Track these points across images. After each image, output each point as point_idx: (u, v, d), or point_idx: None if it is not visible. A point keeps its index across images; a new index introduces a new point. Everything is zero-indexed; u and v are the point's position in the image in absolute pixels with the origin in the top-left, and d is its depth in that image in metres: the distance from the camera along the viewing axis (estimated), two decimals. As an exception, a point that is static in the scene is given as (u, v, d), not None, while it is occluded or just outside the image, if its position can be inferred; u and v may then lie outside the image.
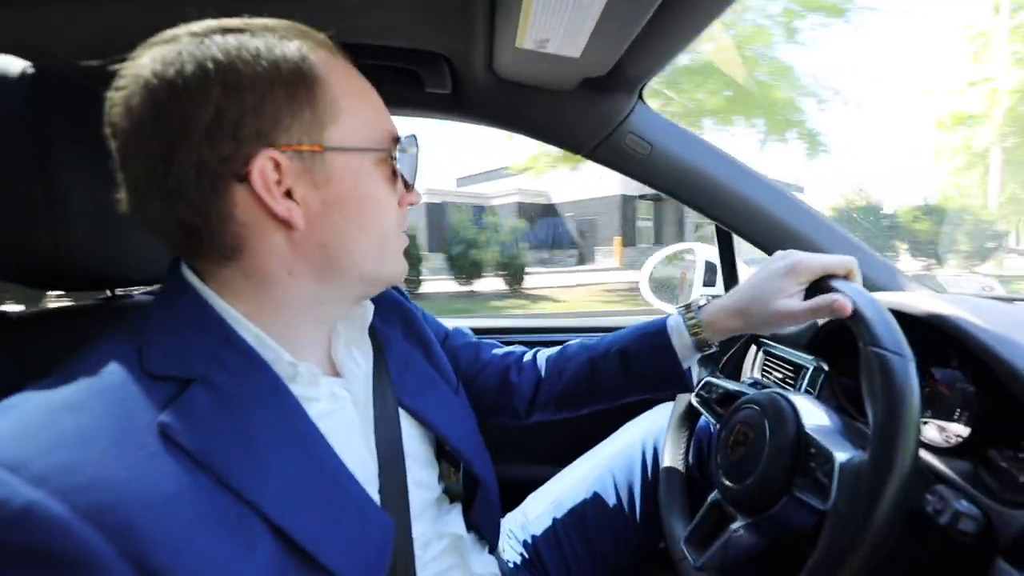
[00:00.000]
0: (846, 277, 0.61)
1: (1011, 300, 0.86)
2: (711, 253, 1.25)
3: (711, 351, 0.70)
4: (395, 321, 0.66)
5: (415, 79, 0.90)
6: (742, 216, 0.98)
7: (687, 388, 0.73)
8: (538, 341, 1.34)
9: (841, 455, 0.53)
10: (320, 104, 0.44)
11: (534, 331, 1.45)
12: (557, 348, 0.79)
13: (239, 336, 0.44)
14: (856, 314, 0.54)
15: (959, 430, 0.64)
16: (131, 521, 0.33)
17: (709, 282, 1.25)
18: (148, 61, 0.41)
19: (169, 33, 0.43)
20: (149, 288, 0.78)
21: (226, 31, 0.42)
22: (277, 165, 0.42)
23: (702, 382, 0.82)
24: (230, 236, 0.43)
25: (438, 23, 0.75)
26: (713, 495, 0.69)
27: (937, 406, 0.68)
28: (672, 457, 0.84)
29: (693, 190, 0.99)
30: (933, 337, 0.66)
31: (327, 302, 0.50)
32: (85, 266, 0.60)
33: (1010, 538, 0.52)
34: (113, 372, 0.39)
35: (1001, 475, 0.57)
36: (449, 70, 0.86)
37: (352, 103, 0.47)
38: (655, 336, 0.70)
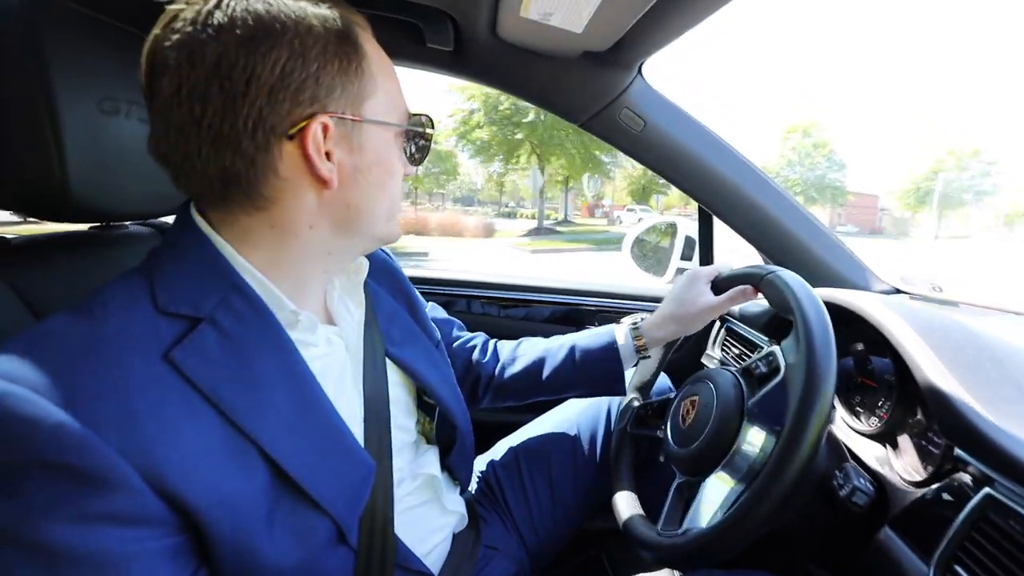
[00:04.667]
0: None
1: (954, 304, 0.93)
2: (692, 229, 1.29)
3: (646, 357, 0.85)
4: (384, 279, 0.71)
5: (417, 33, 0.89)
6: (724, 199, 1.02)
7: (621, 393, 0.85)
8: (503, 298, 1.39)
9: (770, 427, 0.61)
10: (364, 77, 0.48)
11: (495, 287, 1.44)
12: (517, 341, 0.90)
13: (245, 282, 0.48)
14: (773, 289, 0.67)
15: (879, 417, 0.72)
16: (150, 447, 0.38)
17: (687, 256, 1.31)
18: (216, 10, 0.42)
19: None
20: (142, 221, 0.80)
21: None
22: (326, 129, 0.46)
23: (631, 411, 0.88)
24: (268, 188, 0.46)
25: None
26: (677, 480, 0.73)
27: (865, 395, 0.76)
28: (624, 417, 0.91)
29: (681, 170, 1.01)
30: (871, 332, 0.73)
31: (337, 255, 0.54)
32: (86, 198, 0.62)
33: (899, 510, 0.61)
34: (130, 308, 0.43)
35: (905, 458, 0.66)
36: (453, 28, 0.86)
37: (384, 80, 0.51)
38: (603, 336, 0.84)
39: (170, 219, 0.80)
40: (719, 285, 0.82)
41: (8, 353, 0.38)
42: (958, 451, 0.56)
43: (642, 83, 0.94)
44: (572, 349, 0.84)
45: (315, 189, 0.48)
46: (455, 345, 0.86)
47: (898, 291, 1.01)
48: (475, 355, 0.87)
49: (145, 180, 0.69)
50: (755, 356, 0.67)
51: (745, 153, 1.01)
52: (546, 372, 0.83)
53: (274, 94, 0.43)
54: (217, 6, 0.42)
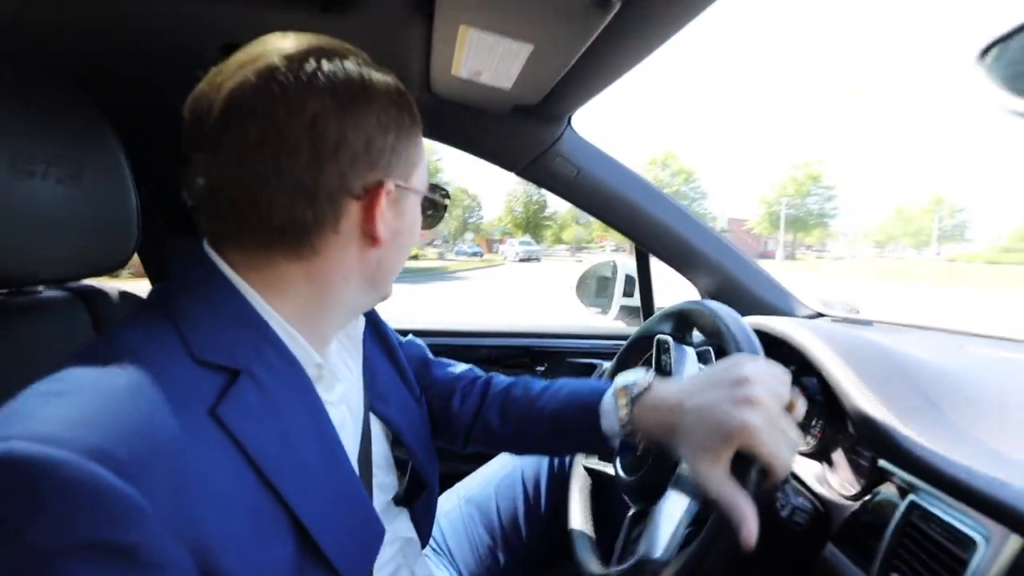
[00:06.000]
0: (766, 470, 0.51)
1: (868, 323, 1.01)
2: (631, 267, 1.35)
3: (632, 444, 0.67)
4: (367, 329, 0.68)
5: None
6: (657, 238, 1.08)
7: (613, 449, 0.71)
8: (495, 346, 1.39)
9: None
10: (417, 147, 0.50)
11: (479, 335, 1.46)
12: (506, 382, 0.76)
13: (274, 332, 0.45)
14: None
15: (813, 436, 0.76)
16: (203, 516, 0.34)
17: (628, 293, 1.36)
18: (319, 67, 0.42)
19: (328, 43, 0.45)
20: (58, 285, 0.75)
21: (331, 54, 0.44)
22: (388, 194, 0.46)
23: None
24: (321, 241, 0.45)
25: (379, 44, 0.78)
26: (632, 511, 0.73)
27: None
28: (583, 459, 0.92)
29: (615, 212, 1.07)
30: (798, 355, 0.78)
31: (355, 310, 0.54)
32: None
33: (839, 525, 0.64)
34: (161, 355, 0.38)
35: (839, 473, 0.69)
36: None
37: (422, 151, 0.52)
38: (587, 415, 0.65)
39: (90, 281, 0.77)
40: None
41: (28, 415, 0.32)
42: (883, 463, 0.59)
43: (572, 133, 1.00)
44: (555, 422, 0.69)
45: (360, 247, 0.47)
46: (435, 388, 0.78)
47: (820, 314, 1.09)
48: (455, 402, 0.76)
49: (63, 242, 0.66)
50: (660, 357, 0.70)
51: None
52: (528, 439, 0.73)
53: (357, 159, 0.44)
54: (319, 63, 0.42)
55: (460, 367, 0.81)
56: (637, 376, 0.61)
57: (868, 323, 1.01)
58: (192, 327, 0.41)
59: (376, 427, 0.62)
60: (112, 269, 0.71)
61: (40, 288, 0.74)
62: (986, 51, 0.41)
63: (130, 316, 0.43)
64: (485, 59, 0.72)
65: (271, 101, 0.41)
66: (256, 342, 0.43)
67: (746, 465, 0.50)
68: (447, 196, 0.61)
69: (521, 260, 31.73)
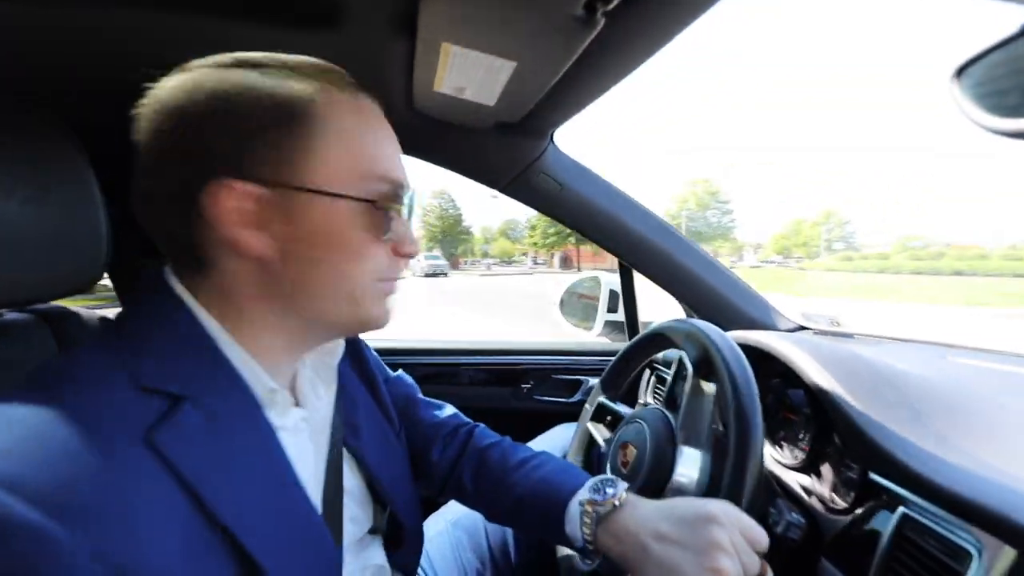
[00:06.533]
0: None
1: (850, 336, 1.03)
2: (615, 282, 1.35)
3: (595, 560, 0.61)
4: (346, 356, 0.65)
5: (334, 106, 0.90)
6: (640, 253, 1.09)
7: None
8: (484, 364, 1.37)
9: (705, 462, 0.62)
10: (309, 144, 0.44)
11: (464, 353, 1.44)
12: (486, 442, 0.73)
13: (225, 356, 0.44)
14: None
15: (801, 449, 0.76)
16: (132, 546, 0.33)
17: (612, 308, 1.36)
18: (169, 85, 0.43)
19: (194, 63, 0.45)
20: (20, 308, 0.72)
21: (240, 64, 0.44)
22: (251, 197, 0.43)
23: (596, 404, 0.90)
24: (202, 249, 0.44)
25: (361, 60, 0.77)
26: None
27: (787, 429, 0.80)
28: None
29: (598, 227, 1.08)
30: (783, 368, 0.78)
31: (298, 335, 0.49)
32: None
33: (831, 539, 0.63)
34: (105, 383, 0.38)
35: (829, 486, 0.69)
36: None
37: (348, 147, 0.46)
38: (553, 511, 0.61)
39: (61, 303, 0.73)
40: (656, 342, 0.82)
41: None
42: (873, 475, 0.59)
43: (555, 150, 1.00)
44: (519, 513, 0.66)
45: (252, 260, 0.44)
46: (415, 430, 0.76)
47: (802, 327, 1.10)
48: (434, 451, 0.73)
49: (24, 264, 0.63)
50: (671, 379, 0.70)
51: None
52: (495, 510, 0.71)
53: (195, 160, 0.42)
54: (172, 81, 0.44)
55: (446, 411, 0.79)
56: (608, 485, 0.58)
57: (850, 336, 1.02)
58: (141, 353, 0.41)
59: (352, 461, 0.60)
60: (80, 290, 0.69)
61: (2, 312, 0.71)
62: (961, 70, 0.43)
63: (85, 341, 0.43)
64: (468, 76, 0.71)
65: (139, 127, 0.43)
66: (208, 367, 0.43)
67: None
68: (394, 197, 0.48)
69: (427, 275, 31.19)
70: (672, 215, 53.75)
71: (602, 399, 0.90)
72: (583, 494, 0.59)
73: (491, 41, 0.62)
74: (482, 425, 0.78)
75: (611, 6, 0.52)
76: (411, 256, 0.52)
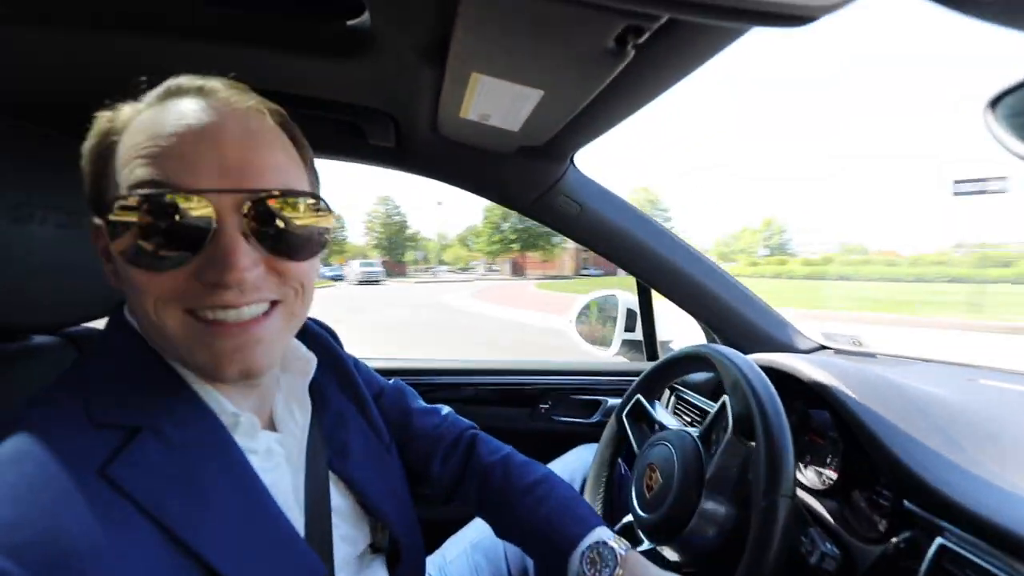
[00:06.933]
0: None
1: (872, 355, 1.02)
2: (632, 300, 1.35)
3: None
4: (331, 372, 0.66)
5: (358, 130, 0.92)
6: (659, 273, 1.09)
7: None
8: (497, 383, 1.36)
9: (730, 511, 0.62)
10: (109, 164, 0.44)
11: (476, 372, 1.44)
12: (487, 461, 0.72)
13: (185, 384, 0.45)
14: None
15: (830, 473, 0.75)
16: (90, 573, 0.33)
17: (630, 327, 1.36)
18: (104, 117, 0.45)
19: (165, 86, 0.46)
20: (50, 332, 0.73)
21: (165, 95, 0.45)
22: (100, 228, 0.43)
23: (633, 399, 0.90)
24: (111, 279, 0.46)
25: (389, 87, 0.79)
26: (625, 519, 0.77)
27: (814, 453, 0.79)
28: (592, 497, 0.90)
29: (618, 247, 1.08)
30: (805, 389, 0.78)
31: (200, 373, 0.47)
32: None
33: (865, 570, 0.62)
34: (56, 421, 0.39)
35: (860, 514, 0.68)
36: (394, 127, 0.90)
37: (126, 159, 0.42)
38: (555, 556, 0.62)
39: (92, 324, 0.75)
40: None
41: None
42: (908, 504, 0.58)
43: (575, 171, 1.01)
44: (527, 537, 0.67)
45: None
46: (414, 443, 0.75)
47: (822, 347, 1.09)
48: (435, 464, 0.73)
49: (58, 289, 0.65)
50: (710, 421, 0.70)
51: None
52: (500, 528, 0.71)
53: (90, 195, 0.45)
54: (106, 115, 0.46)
55: (443, 418, 0.78)
56: (614, 542, 0.60)
57: (872, 355, 1.01)
58: (98, 390, 0.42)
59: (340, 482, 0.60)
60: (106, 313, 0.70)
61: (31, 336, 0.72)
62: (996, 101, 0.44)
63: (52, 381, 0.44)
64: (494, 103, 0.73)
65: None
66: (168, 396, 0.44)
67: None
68: (133, 207, 0.39)
69: (360, 282, 30.56)
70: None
71: (639, 397, 0.90)
72: (583, 548, 0.60)
73: (520, 71, 0.64)
74: (481, 433, 0.77)
75: (642, 39, 0.53)
76: (219, 283, 0.41)
